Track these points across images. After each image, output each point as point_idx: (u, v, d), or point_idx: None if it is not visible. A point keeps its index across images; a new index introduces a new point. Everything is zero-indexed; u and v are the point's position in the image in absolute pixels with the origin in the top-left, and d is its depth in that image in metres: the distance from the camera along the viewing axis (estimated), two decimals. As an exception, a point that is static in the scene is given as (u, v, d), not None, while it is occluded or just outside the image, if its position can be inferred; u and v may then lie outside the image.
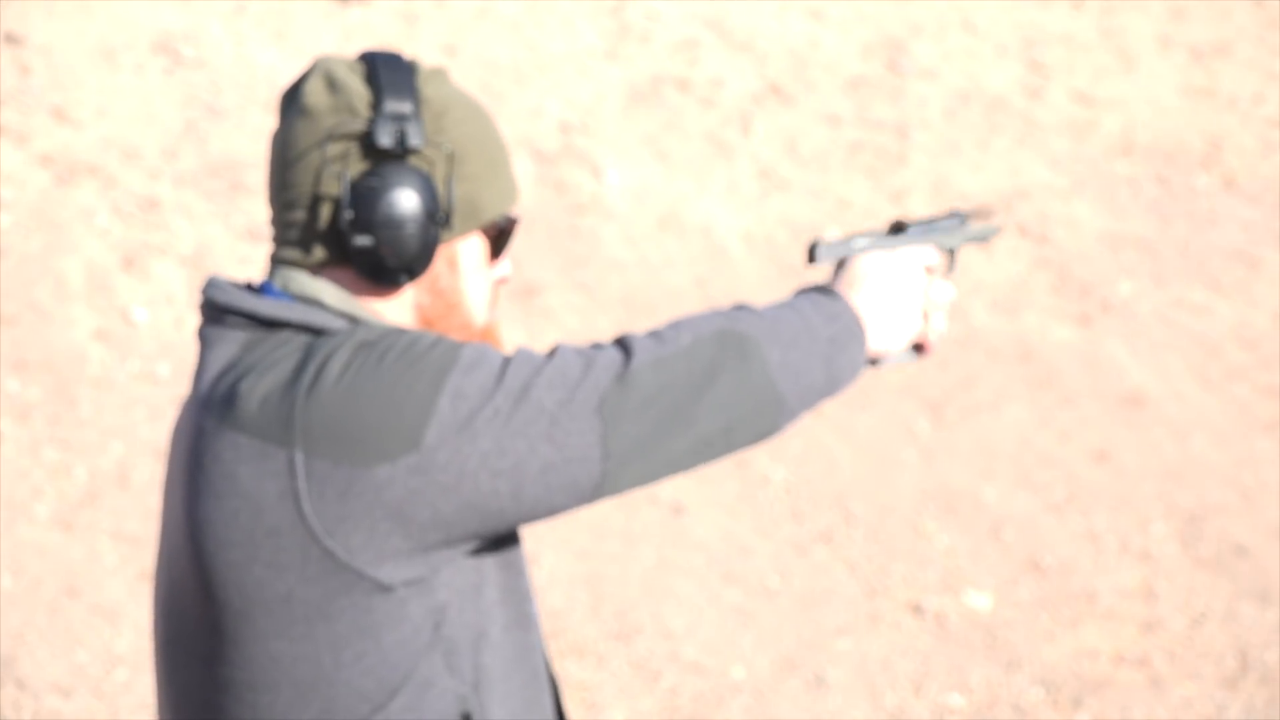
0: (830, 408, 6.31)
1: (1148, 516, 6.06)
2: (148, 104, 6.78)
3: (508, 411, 1.83)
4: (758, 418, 1.94)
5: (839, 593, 5.54)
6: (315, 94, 1.93)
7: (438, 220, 1.93)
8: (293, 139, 1.94)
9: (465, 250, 1.98)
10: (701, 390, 1.90)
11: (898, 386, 6.53)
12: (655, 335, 1.93)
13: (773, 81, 7.95)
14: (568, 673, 5.04)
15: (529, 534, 5.48)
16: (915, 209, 7.53)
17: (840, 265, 2.12)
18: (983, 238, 2.26)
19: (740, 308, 1.98)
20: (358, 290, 1.95)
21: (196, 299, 2.05)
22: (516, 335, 6.32)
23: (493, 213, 1.98)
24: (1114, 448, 6.43)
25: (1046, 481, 6.19)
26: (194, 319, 6.05)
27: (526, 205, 6.94)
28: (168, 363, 5.87)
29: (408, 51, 7.31)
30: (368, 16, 7.48)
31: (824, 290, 2.05)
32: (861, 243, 2.12)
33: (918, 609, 5.50)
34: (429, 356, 1.84)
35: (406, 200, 1.90)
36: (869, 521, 5.86)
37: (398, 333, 1.88)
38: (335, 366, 1.84)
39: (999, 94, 8.30)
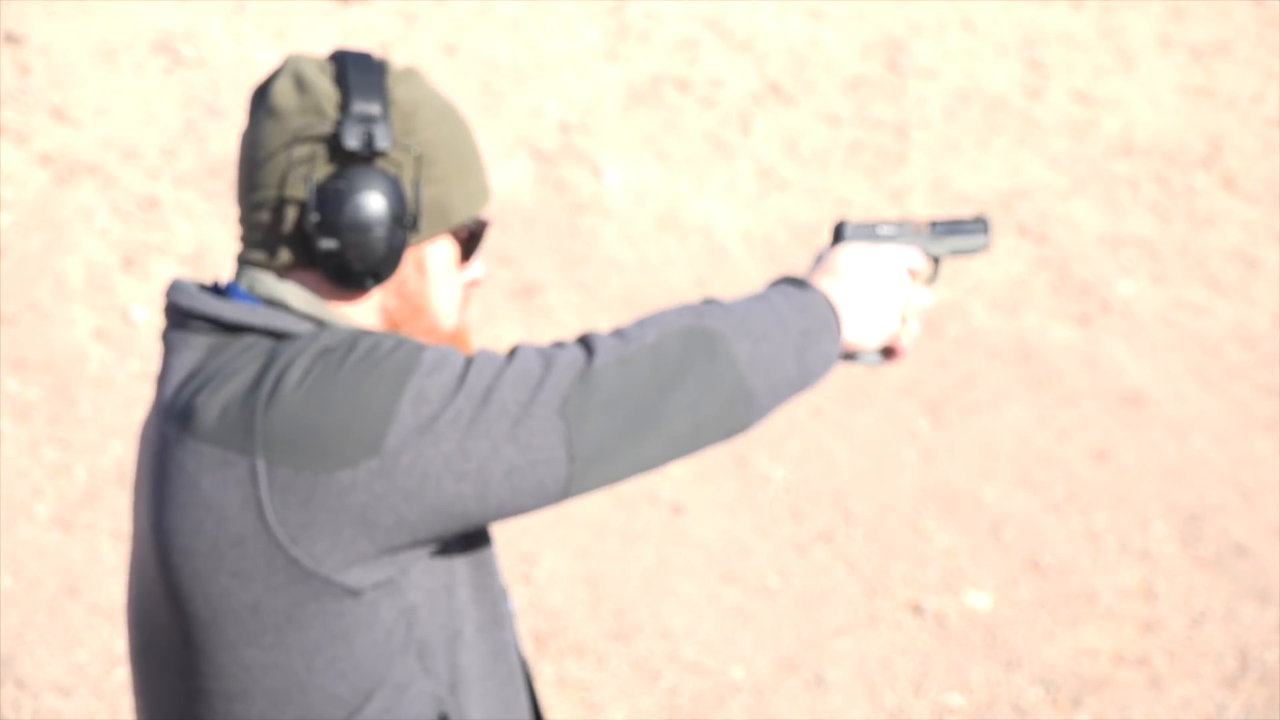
0: (830, 407, 6.31)
1: (1147, 516, 6.06)
2: (147, 104, 6.78)
3: (470, 413, 1.81)
4: (727, 414, 1.91)
5: (839, 592, 5.54)
6: (283, 94, 1.91)
7: (405, 223, 1.91)
8: (260, 139, 1.92)
9: (434, 253, 1.96)
10: (668, 388, 1.87)
11: (898, 386, 6.54)
12: (620, 333, 1.90)
13: (773, 81, 7.95)
14: (568, 672, 5.04)
15: (527, 533, 5.48)
16: (915, 209, 7.53)
17: (819, 256, 2.11)
18: (972, 251, 2.25)
19: (709, 302, 1.95)
20: (324, 293, 1.93)
21: (160, 302, 2.02)
22: (516, 335, 6.32)
23: (462, 216, 1.96)
24: (1114, 447, 6.43)
25: (1046, 481, 6.19)
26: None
27: (526, 205, 6.94)
28: (167, 362, 5.87)
29: (407, 51, 7.31)
30: (367, 16, 7.48)
31: (797, 282, 2.03)
32: (887, 230, 2.12)
33: (918, 609, 5.50)
34: (390, 360, 1.82)
35: (373, 203, 1.88)
36: (869, 521, 5.86)
37: (360, 336, 1.86)
38: (296, 372, 1.82)
39: (999, 94, 8.30)
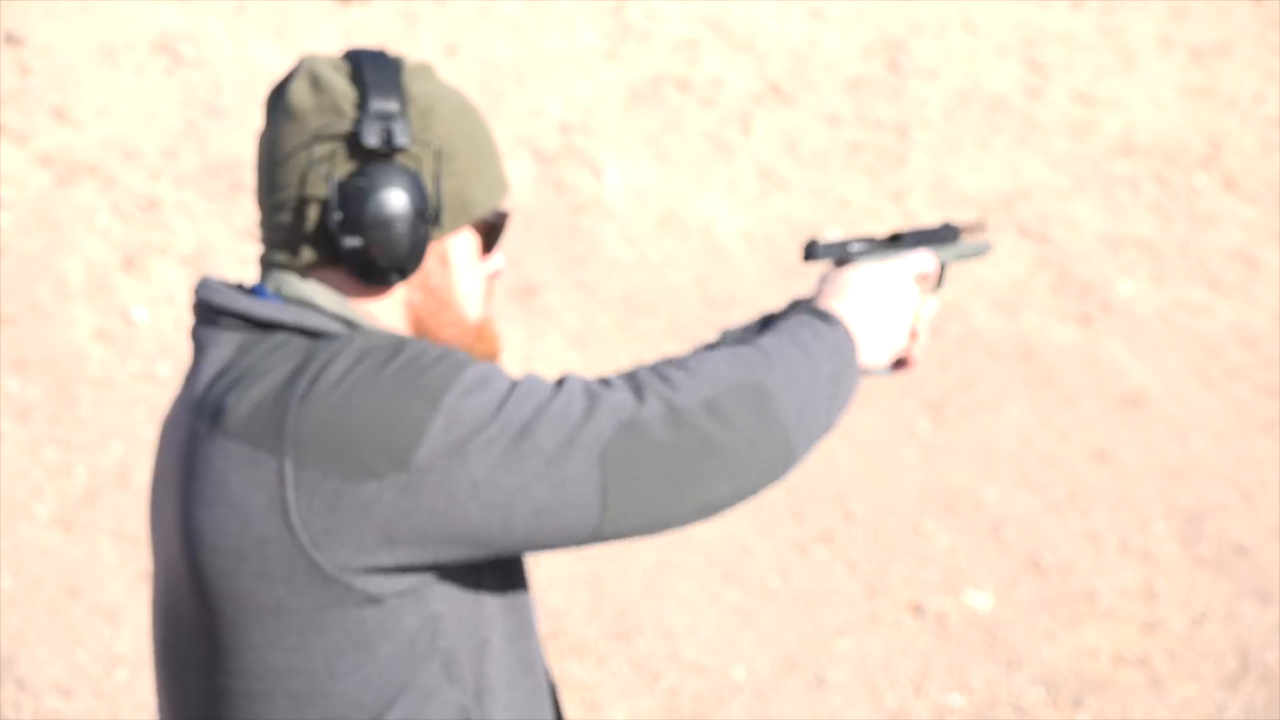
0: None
1: (1148, 516, 6.06)
2: (148, 104, 6.78)
3: (504, 445, 1.79)
4: (770, 476, 1.89)
5: (839, 593, 5.54)
6: (300, 95, 1.91)
7: (427, 218, 1.90)
8: (279, 140, 1.92)
9: (456, 246, 1.96)
10: (717, 452, 1.85)
11: (898, 386, 6.53)
12: (669, 379, 1.87)
13: (773, 81, 7.95)
14: (568, 673, 5.04)
15: (529, 534, 5.47)
16: (915, 209, 7.53)
17: (830, 272, 2.09)
18: (975, 254, 2.23)
19: (756, 348, 1.92)
20: (349, 290, 1.93)
21: (189, 299, 2.00)
22: (516, 335, 6.32)
23: (483, 208, 1.96)
24: (1114, 448, 6.43)
25: (1046, 481, 6.19)
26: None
27: (526, 205, 6.94)
28: (168, 363, 5.87)
29: (407, 51, 7.31)
30: (367, 16, 7.48)
31: (822, 314, 2.01)
32: (858, 247, 2.10)
33: (918, 609, 5.50)
34: (430, 373, 1.81)
35: (395, 200, 1.88)
36: (869, 521, 5.86)
37: (405, 343, 1.84)
38: (332, 374, 1.82)
39: (999, 94, 8.30)
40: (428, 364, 1.81)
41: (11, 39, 6.82)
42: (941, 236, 2.17)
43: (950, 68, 8.34)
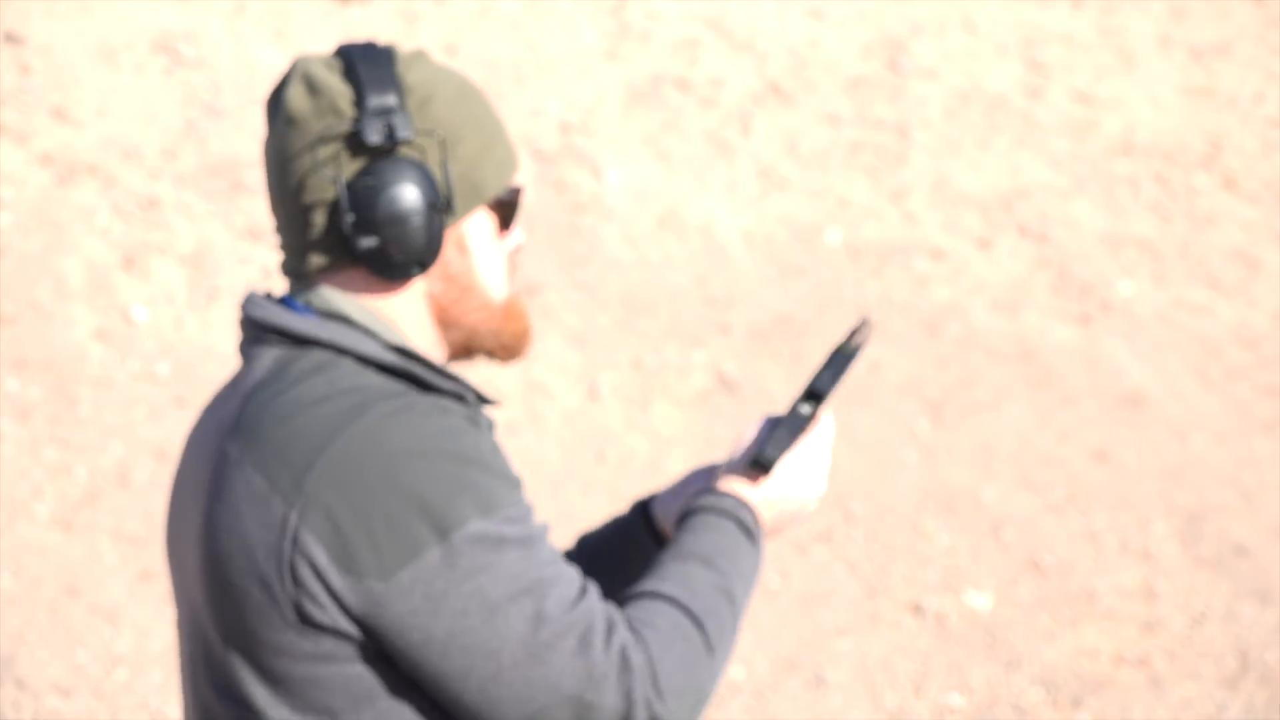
0: (830, 407, 6.31)
1: (1148, 516, 6.06)
2: (148, 104, 6.78)
3: (475, 626, 1.77)
4: None
5: (839, 593, 5.54)
6: (297, 100, 1.89)
7: (439, 207, 1.88)
8: (283, 148, 1.90)
9: (472, 230, 1.93)
10: None
11: (898, 386, 6.54)
12: (659, 669, 1.81)
13: (773, 81, 7.95)
14: (568, 673, 5.04)
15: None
16: (915, 209, 7.53)
17: (749, 467, 2.02)
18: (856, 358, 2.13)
19: (701, 632, 1.86)
20: (368, 289, 1.91)
21: (236, 315, 1.99)
22: (516, 335, 6.31)
23: (494, 187, 1.93)
24: (1114, 448, 6.43)
25: (1046, 481, 6.19)
26: (194, 318, 6.05)
27: (526, 205, 6.95)
28: (168, 362, 5.87)
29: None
30: (367, 16, 7.48)
31: (750, 531, 1.96)
32: (785, 438, 2.03)
33: (918, 609, 5.50)
34: (458, 499, 1.78)
35: (406, 194, 1.86)
36: (869, 521, 5.86)
37: (459, 441, 1.81)
38: (374, 449, 1.79)
39: (999, 94, 8.30)
40: (462, 485, 1.79)
41: (11, 39, 6.82)
42: (846, 363, 2.09)
43: (950, 68, 8.34)
